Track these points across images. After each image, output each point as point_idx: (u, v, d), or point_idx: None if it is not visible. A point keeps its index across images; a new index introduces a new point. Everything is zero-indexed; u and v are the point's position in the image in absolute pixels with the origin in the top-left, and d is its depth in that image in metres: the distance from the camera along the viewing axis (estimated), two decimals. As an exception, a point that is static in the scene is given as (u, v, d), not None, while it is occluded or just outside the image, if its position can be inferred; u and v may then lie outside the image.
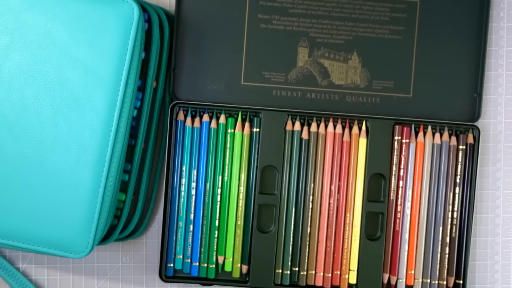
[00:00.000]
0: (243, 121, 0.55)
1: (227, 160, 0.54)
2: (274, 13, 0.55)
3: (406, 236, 0.55)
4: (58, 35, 0.45)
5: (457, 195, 0.55)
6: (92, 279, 0.57)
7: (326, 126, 0.55)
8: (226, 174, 0.54)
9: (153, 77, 0.51)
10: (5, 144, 0.46)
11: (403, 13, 0.56)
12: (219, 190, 0.55)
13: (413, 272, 0.55)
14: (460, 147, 0.55)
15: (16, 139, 0.46)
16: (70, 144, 0.46)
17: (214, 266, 0.55)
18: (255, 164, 0.54)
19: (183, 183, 0.54)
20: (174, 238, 0.55)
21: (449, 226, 0.55)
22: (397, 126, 0.55)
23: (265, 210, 0.55)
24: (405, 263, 0.55)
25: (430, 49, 0.56)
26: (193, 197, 0.55)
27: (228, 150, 0.54)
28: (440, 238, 0.55)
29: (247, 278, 0.55)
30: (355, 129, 0.55)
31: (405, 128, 0.55)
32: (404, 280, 0.55)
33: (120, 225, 0.52)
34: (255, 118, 0.54)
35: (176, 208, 0.54)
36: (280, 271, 0.55)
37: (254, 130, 0.54)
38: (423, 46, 0.56)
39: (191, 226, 0.55)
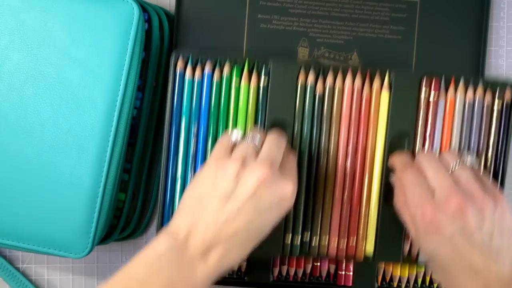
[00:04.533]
0: (250, 72, 0.50)
1: (231, 115, 0.50)
2: (274, 13, 0.55)
3: None
4: (58, 35, 0.45)
5: (489, 159, 0.50)
6: (92, 279, 0.56)
7: (343, 79, 0.49)
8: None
9: (153, 77, 0.51)
10: (5, 144, 0.46)
11: (403, 13, 0.56)
12: None
13: None
14: (496, 105, 0.50)
15: (16, 139, 0.46)
16: (70, 144, 0.46)
17: None
18: (263, 120, 0.49)
19: (182, 136, 0.49)
20: (172, 198, 0.50)
21: None
22: (425, 77, 0.49)
23: None
24: None
25: (430, 49, 0.56)
26: (192, 158, 0.50)
27: (232, 104, 0.49)
28: None
29: None
30: (377, 82, 0.49)
31: (434, 80, 0.49)
32: None
33: (120, 225, 0.52)
34: (263, 69, 0.49)
35: (175, 166, 0.49)
36: (292, 235, 0.50)
37: (262, 81, 0.49)
38: (423, 46, 0.56)
39: None
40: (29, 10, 0.45)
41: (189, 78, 0.49)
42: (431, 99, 0.49)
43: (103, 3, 0.46)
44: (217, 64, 0.50)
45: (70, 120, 0.46)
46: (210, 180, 0.41)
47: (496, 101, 0.50)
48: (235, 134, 0.45)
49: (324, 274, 0.55)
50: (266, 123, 0.49)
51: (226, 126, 0.50)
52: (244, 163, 0.41)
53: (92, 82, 0.46)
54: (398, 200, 0.47)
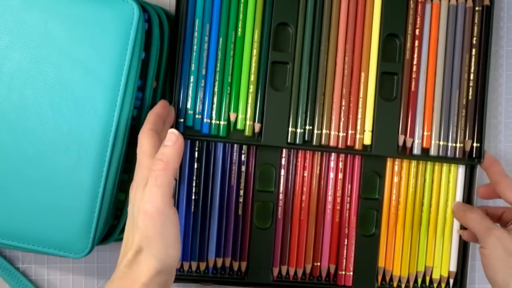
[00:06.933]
0: None
1: (240, 15, 0.53)
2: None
3: (422, 97, 0.54)
4: (58, 35, 0.45)
5: (473, 57, 0.54)
6: (92, 279, 0.57)
7: None
8: (239, 29, 0.53)
9: (153, 77, 0.51)
10: (5, 144, 0.46)
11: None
12: (232, 46, 0.53)
13: (429, 133, 0.54)
14: (476, 8, 0.54)
15: (16, 139, 0.46)
16: (70, 144, 0.46)
17: (226, 123, 0.53)
18: (269, 20, 0.53)
19: (196, 36, 0.52)
20: (185, 93, 0.53)
21: (465, 89, 0.54)
22: None
23: (278, 69, 0.54)
24: (421, 124, 0.54)
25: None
26: (205, 52, 0.53)
27: (241, 4, 0.53)
28: (457, 100, 0.54)
29: (259, 138, 0.53)
30: None
31: None
32: (420, 141, 0.54)
33: (120, 225, 0.52)
34: None
35: (188, 62, 0.52)
36: (294, 129, 0.53)
37: None
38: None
39: (203, 82, 0.53)
40: (29, 10, 0.45)
41: None
42: (419, 3, 0.54)
43: (103, 3, 0.46)
44: None
45: (70, 120, 0.46)
46: None
47: (477, 4, 0.54)
48: None
49: (324, 274, 0.55)
50: (272, 23, 0.53)
51: (236, 27, 0.53)
52: None
53: (92, 82, 0.46)
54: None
